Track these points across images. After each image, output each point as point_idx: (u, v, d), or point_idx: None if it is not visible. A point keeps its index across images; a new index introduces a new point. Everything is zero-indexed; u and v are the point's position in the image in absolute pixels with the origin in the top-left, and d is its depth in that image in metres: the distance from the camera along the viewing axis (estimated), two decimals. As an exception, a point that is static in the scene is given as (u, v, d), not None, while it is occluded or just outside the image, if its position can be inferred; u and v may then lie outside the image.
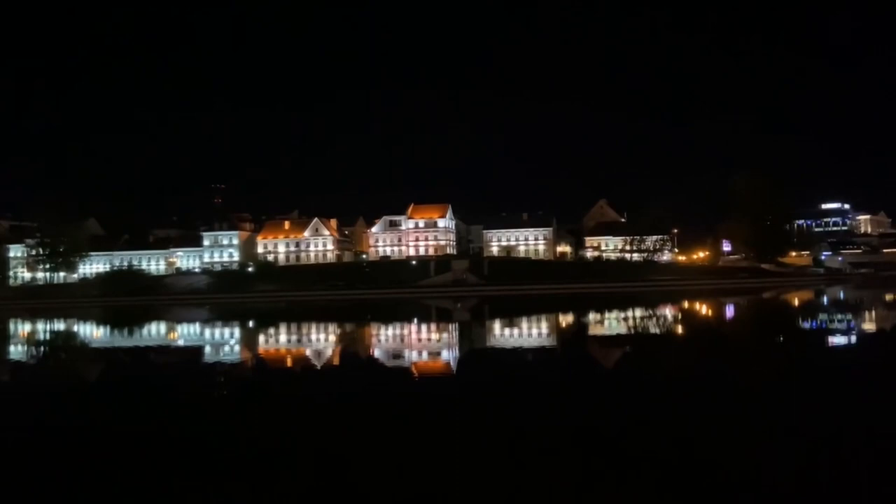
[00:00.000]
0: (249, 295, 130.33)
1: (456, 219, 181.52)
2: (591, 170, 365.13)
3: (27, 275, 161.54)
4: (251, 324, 51.77)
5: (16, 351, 36.64)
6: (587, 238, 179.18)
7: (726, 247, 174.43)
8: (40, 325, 58.76)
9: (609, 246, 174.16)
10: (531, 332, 36.56)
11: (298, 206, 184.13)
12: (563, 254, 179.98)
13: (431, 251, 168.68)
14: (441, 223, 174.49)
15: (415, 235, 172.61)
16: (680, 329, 37.56)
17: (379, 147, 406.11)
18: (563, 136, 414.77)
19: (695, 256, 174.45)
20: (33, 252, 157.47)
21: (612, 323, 42.41)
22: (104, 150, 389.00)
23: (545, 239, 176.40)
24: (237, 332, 44.34)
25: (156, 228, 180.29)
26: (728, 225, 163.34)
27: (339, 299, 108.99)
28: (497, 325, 42.81)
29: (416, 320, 50.64)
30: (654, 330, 36.53)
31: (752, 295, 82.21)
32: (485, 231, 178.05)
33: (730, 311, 52.30)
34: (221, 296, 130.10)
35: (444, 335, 37.02)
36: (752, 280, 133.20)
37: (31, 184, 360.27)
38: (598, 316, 49.65)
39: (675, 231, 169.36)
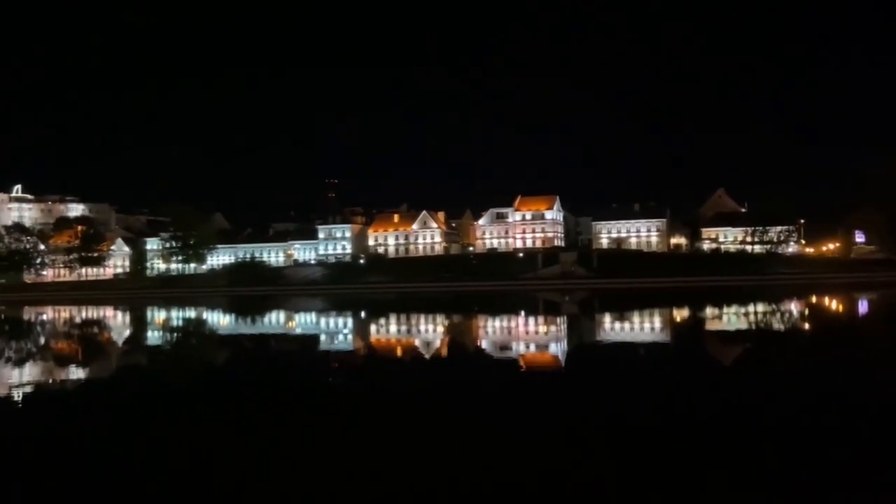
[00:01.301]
0: (361, 286, 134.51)
1: (564, 210, 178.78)
2: (706, 158, 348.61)
3: (162, 266, 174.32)
4: (363, 314, 53.41)
5: (152, 336, 39.77)
6: (704, 229, 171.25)
7: (859, 237, 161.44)
8: (174, 313, 63.37)
9: (728, 237, 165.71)
10: (643, 327, 35.45)
11: (407, 199, 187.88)
12: (678, 246, 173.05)
13: (539, 243, 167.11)
14: (549, 215, 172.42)
15: (522, 228, 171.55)
16: (807, 326, 35.19)
17: (484, 139, 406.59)
18: (676, 125, 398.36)
19: (823, 248, 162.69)
20: (167, 245, 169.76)
21: (731, 318, 40.36)
22: (226, 149, 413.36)
23: (658, 230, 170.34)
24: (350, 321, 45.88)
25: (275, 222, 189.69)
26: (861, 214, 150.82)
27: (446, 291, 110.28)
28: (607, 319, 41.83)
29: (523, 313, 50.40)
30: (778, 327, 34.43)
31: (890, 290, 75.66)
32: (594, 223, 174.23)
33: (863, 308, 48.41)
34: (335, 287, 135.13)
35: (552, 328, 36.62)
36: (890, 274, 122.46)
37: (165, 181, 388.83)
38: (716, 311, 47.41)
39: (802, 221, 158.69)
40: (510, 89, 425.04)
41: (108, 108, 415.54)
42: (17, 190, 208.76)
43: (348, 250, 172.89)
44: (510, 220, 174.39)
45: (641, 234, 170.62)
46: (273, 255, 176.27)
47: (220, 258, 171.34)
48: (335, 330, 39.26)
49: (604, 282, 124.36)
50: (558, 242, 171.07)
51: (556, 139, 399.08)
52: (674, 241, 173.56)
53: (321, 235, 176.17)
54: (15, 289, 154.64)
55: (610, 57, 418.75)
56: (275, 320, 49.83)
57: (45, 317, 62.40)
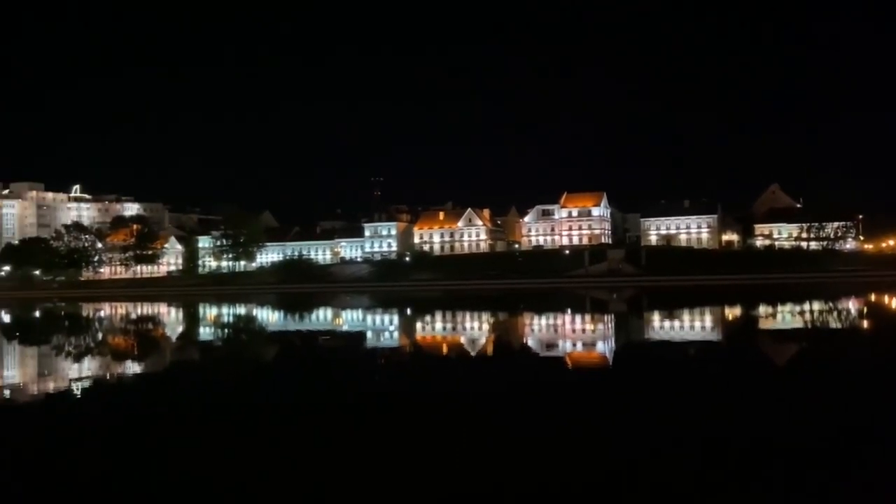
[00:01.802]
0: (406, 283, 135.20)
1: (611, 207, 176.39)
2: (759, 153, 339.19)
3: (213, 263, 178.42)
4: (409, 311, 53.65)
5: (204, 333, 40.73)
6: (757, 225, 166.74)
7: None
8: (224, 310, 64.81)
9: (782, 234, 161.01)
10: (694, 326, 34.68)
11: (452, 196, 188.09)
12: (730, 243, 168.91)
13: (585, 240, 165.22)
14: (595, 212, 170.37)
15: (568, 224, 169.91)
16: (866, 326, 33.88)
17: (529, 136, 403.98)
18: (727, 118, 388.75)
19: (883, 245, 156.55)
20: (218, 243, 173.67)
21: (785, 317, 39.16)
22: (271, 149, 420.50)
23: (709, 227, 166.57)
24: (396, 318, 46.14)
25: (322, 220, 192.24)
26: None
27: (491, 288, 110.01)
28: (656, 318, 41.07)
29: (569, 310, 49.90)
30: (835, 326, 33.24)
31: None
32: (643, 219, 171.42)
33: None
34: (381, 284, 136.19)
35: (599, 326, 36.13)
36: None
37: (216, 180, 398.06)
38: (770, 309, 46.07)
39: (860, 217, 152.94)
40: (555, 86, 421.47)
41: (160, 111, 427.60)
42: (76, 190, 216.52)
43: (394, 248, 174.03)
44: (556, 216, 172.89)
45: (692, 230, 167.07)
46: (320, 252, 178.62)
47: (268, 256, 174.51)
48: (381, 327, 39.53)
49: (652, 279, 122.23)
50: (605, 239, 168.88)
51: (602, 135, 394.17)
52: (725, 237, 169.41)
53: (367, 233, 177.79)
54: (74, 286, 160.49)
55: (658, 51, 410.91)
56: (322, 317, 50.47)
57: (102, 313, 64.57)
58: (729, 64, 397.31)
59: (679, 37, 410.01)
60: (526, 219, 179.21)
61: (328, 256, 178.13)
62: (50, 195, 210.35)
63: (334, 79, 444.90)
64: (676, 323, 36.20)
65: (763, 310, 46.09)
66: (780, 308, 46.42)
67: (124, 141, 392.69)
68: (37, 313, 68.20)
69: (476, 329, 35.74)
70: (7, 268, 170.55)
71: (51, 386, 19.11)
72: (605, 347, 25.60)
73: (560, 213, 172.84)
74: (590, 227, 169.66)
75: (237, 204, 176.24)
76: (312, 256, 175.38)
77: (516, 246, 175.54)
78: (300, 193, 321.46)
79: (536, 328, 35.04)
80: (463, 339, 29.29)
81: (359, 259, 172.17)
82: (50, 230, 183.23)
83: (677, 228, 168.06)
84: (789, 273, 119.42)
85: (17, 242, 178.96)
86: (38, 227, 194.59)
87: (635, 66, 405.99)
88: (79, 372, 21.59)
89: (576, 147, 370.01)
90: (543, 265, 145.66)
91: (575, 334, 31.16)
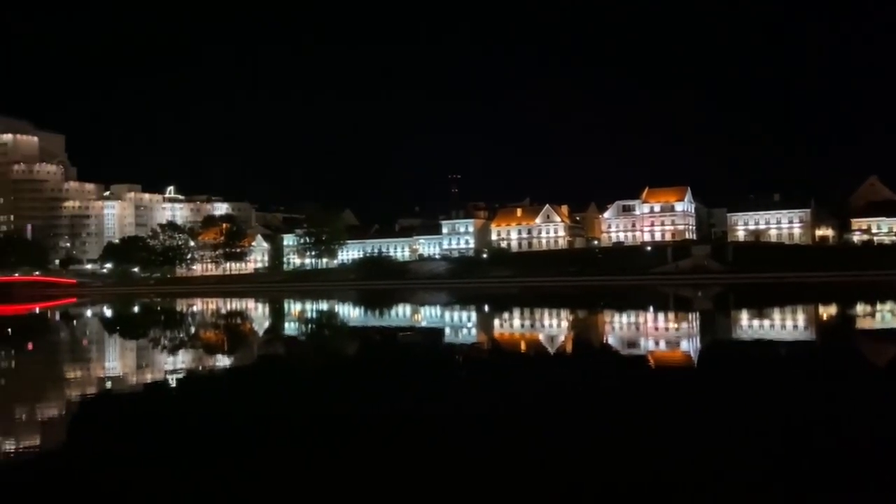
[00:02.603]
0: (484, 280, 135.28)
1: (696, 202, 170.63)
2: (854, 143, 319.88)
3: (297, 261, 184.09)
4: (487, 308, 53.70)
5: (289, 327, 42.13)
6: (854, 220, 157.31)
7: None
8: (308, 306, 66.77)
9: (882, 228, 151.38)
10: (785, 325, 33.15)
11: (530, 193, 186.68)
12: (824, 238, 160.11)
13: (668, 236, 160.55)
14: (679, 207, 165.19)
15: (650, 220, 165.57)
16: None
17: (608, 130, 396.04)
18: (819, 107, 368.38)
19: None
20: (302, 241, 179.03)
21: (885, 316, 36.85)
22: (353, 146, 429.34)
23: (801, 221, 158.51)
24: (473, 315, 46.28)
25: (401, 218, 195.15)
26: None
27: (570, 286, 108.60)
28: (744, 316, 39.49)
29: (651, 308, 48.66)
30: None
31: None
32: (729, 214, 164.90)
33: None
34: (458, 281, 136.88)
35: (684, 325, 35.07)
36: None
37: (299, 180, 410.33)
38: (868, 308, 43.46)
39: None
40: (635, 77, 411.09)
41: (247, 115, 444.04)
42: (171, 191, 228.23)
43: (471, 245, 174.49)
44: (637, 212, 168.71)
45: (782, 225, 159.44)
46: (399, 249, 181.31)
47: (349, 253, 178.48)
48: (459, 323, 39.75)
49: (740, 276, 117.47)
50: (689, 235, 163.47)
51: (684, 128, 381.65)
52: (819, 232, 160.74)
53: (445, 230, 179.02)
54: (168, 282, 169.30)
55: (747, 40, 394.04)
56: (401, 313, 51.22)
57: (194, 308, 67.79)
58: (824, 53, 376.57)
59: (785, 28, 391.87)
60: (605, 215, 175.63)
61: (406, 253, 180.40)
62: (147, 196, 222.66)
63: (410, 76, 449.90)
64: (766, 322, 34.69)
65: (861, 308, 43.52)
66: (879, 307, 43.70)
67: (214, 144, 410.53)
68: (135, 308, 72.35)
69: (555, 327, 35.42)
70: (109, 265, 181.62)
71: (148, 377, 20.27)
72: (689, 347, 24.85)
73: (641, 208, 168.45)
74: (673, 223, 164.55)
75: (319, 203, 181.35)
76: (391, 253, 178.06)
77: (595, 242, 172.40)
78: (380, 192, 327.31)
79: (617, 326, 34.36)
80: (541, 337, 29.10)
81: (436, 256, 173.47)
82: (146, 229, 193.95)
83: (767, 223, 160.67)
84: (890, 270, 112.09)
85: (117, 241, 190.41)
86: (135, 227, 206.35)
87: (725, 57, 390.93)
88: (173, 364, 22.78)
89: (658, 141, 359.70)
90: (624, 262, 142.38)
91: (658, 333, 30.39)
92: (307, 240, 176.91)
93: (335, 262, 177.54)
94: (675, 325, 34.43)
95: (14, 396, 17.92)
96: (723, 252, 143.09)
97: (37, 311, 71.60)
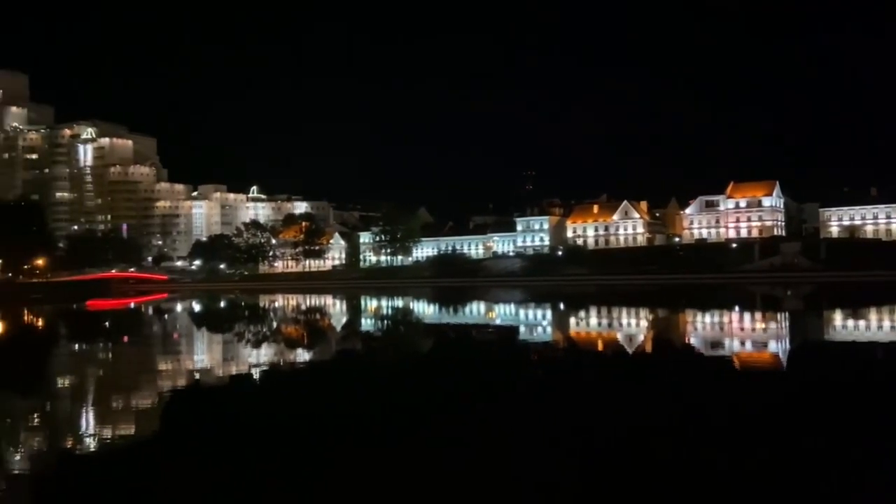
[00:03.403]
0: (559, 278, 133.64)
1: (784, 196, 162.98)
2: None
3: (373, 258, 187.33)
4: (562, 306, 53.01)
5: (366, 323, 42.86)
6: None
7: None
8: (384, 302, 67.78)
9: None
10: (882, 325, 31.19)
11: (607, 188, 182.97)
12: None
13: (755, 233, 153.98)
14: (766, 202, 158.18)
15: (735, 216, 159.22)
16: None
17: (690, 122, 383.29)
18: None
19: None
20: (377, 239, 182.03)
21: None
22: (428, 146, 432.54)
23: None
24: (549, 313, 45.77)
25: (475, 215, 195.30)
26: None
27: (649, 284, 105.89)
28: (837, 317, 37.40)
29: (737, 308, 46.78)
30: None
31: None
32: (821, 209, 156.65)
33: None
34: (533, 279, 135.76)
35: (772, 325, 33.54)
36: None
37: (375, 178, 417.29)
38: (979, 310, 40.31)
39: None
40: (718, 72, 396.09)
41: (323, 114, 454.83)
42: (254, 191, 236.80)
43: (546, 242, 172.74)
44: (721, 208, 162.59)
45: (880, 220, 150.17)
46: (473, 247, 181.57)
47: (424, 251, 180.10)
48: (534, 321, 39.40)
49: (833, 275, 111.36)
50: (778, 232, 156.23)
51: (771, 119, 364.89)
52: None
53: (519, 227, 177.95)
54: (252, 278, 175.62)
55: (840, 33, 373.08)
56: (475, 310, 51.23)
57: (276, 304, 69.99)
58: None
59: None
60: (687, 211, 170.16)
61: (480, 251, 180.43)
62: (231, 196, 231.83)
63: (485, 72, 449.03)
64: (862, 322, 32.73)
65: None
66: None
67: (294, 144, 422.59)
68: (221, 303, 75.39)
69: (633, 326, 34.58)
70: (197, 262, 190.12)
71: (233, 370, 21.05)
72: (777, 348, 23.74)
73: (726, 203, 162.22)
74: (760, 219, 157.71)
75: (395, 201, 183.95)
76: (465, 251, 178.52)
77: (677, 239, 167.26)
78: (454, 189, 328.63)
79: (700, 326, 33.22)
80: (619, 336, 28.46)
81: (511, 253, 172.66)
82: (231, 228, 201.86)
83: (863, 219, 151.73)
84: None
85: (204, 239, 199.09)
86: (221, 226, 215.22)
87: (820, 49, 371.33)
88: (256, 358, 23.57)
89: (742, 134, 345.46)
90: (707, 260, 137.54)
91: (743, 333, 29.19)
92: (383, 237, 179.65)
93: (410, 259, 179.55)
94: (763, 326, 32.96)
95: (110, 386, 18.97)
96: (815, 249, 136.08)
97: (132, 305, 75.72)
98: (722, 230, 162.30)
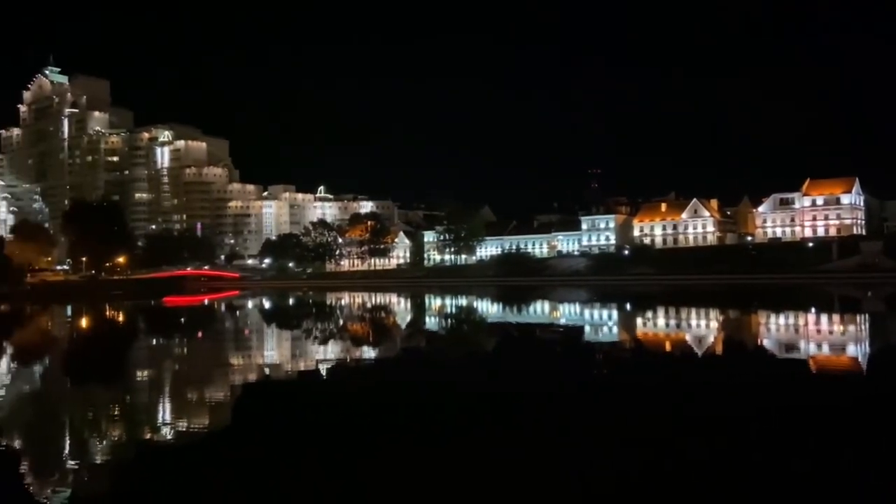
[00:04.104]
0: (625, 278, 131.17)
1: (865, 193, 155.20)
2: None
3: (437, 257, 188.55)
4: (628, 306, 52.06)
5: (430, 322, 43.19)
6: None
7: None
8: (447, 301, 68.11)
9: None
10: (975, 331, 29.33)
11: (675, 186, 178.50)
12: None
13: (833, 231, 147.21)
14: (845, 199, 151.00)
15: (811, 214, 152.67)
16: None
17: (761, 117, 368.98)
18: None
19: None
20: (441, 238, 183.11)
21: None
22: (491, 144, 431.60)
23: None
24: (615, 313, 45.03)
25: (539, 214, 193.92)
26: None
27: (720, 284, 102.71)
28: (924, 320, 35.38)
29: (813, 309, 44.88)
30: None
31: None
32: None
33: None
34: (599, 278, 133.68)
35: (850, 328, 32.03)
36: None
37: (439, 177, 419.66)
38: None
39: None
40: (791, 58, 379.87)
41: (389, 117, 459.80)
42: (321, 191, 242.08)
43: (612, 241, 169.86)
44: (797, 206, 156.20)
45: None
46: (537, 246, 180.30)
47: (487, 249, 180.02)
48: (599, 321, 38.85)
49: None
50: (858, 230, 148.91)
51: (849, 112, 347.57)
52: None
53: (584, 226, 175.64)
54: (319, 276, 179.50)
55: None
56: (540, 310, 50.89)
57: (343, 301, 71.31)
58: None
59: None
60: (760, 209, 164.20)
61: (545, 250, 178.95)
62: (300, 196, 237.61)
63: (547, 73, 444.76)
64: (952, 327, 30.87)
65: None
66: None
67: (360, 144, 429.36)
68: (290, 301, 77.36)
69: (702, 327, 33.67)
70: (267, 260, 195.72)
71: (301, 365, 21.62)
72: (856, 351, 22.67)
73: (802, 201, 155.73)
74: (838, 217, 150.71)
75: (458, 200, 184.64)
76: (529, 250, 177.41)
77: (749, 238, 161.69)
78: (517, 188, 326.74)
79: (773, 328, 32.05)
80: (688, 338, 27.77)
81: (575, 253, 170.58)
82: (300, 227, 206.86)
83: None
84: None
85: (274, 238, 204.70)
86: (290, 225, 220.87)
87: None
88: (324, 354, 24.13)
89: (817, 130, 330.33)
90: (781, 259, 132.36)
91: (820, 336, 27.99)
92: (446, 236, 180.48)
93: (474, 258, 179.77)
94: (841, 328, 31.52)
95: (185, 380, 19.80)
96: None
97: (205, 302, 78.62)
98: (797, 229, 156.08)
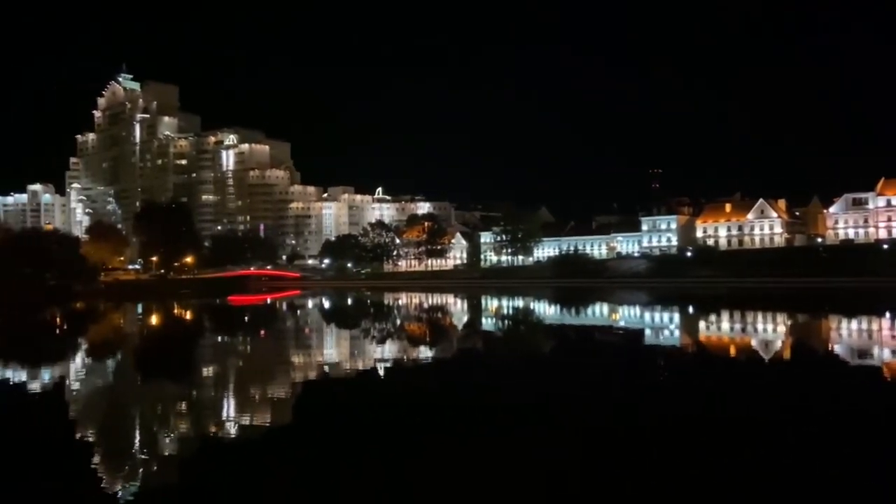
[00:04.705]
0: (688, 280, 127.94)
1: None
2: None
3: (494, 258, 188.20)
4: (690, 309, 50.77)
5: (486, 323, 43.13)
6: None
7: None
8: (504, 302, 67.90)
9: None
10: None
11: (741, 186, 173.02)
12: None
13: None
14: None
15: (887, 215, 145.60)
16: None
17: (833, 114, 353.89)
18: None
19: None
20: (498, 238, 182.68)
21: None
22: (546, 145, 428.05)
23: None
24: (676, 316, 43.99)
25: (598, 215, 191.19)
26: None
27: (787, 287, 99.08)
28: None
29: (887, 314, 42.79)
30: None
31: None
32: None
33: None
34: (660, 280, 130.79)
35: (931, 335, 30.38)
36: None
37: (496, 178, 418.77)
38: None
39: None
40: (861, 52, 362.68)
41: (446, 116, 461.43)
42: (379, 192, 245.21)
43: (674, 242, 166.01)
44: (871, 206, 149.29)
45: None
46: (595, 247, 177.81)
47: (545, 250, 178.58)
48: (660, 324, 38.01)
49: None
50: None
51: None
52: None
53: (645, 227, 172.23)
54: (377, 276, 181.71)
55: None
56: (598, 312, 50.15)
57: (400, 301, 71.95)
58: None
59: None
60: (832, 209, 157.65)
61: (604, 251, 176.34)
62: (358, 197, 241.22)
63: (603, 71, 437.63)
64: None
65: None
66: None
67: (417, 145, 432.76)
68: (349, 300, 78.54)
69: (769, 331, 32.54)
70: (327, 260, 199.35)
71: (359, 364, 21.93)
72: (937, 360, 21.48)
73: (876, 201, 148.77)
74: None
75: (515, 201, 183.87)
76: (588, 251, 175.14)
77: (819, 240, 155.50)
78: (576, 189, 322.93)
79: (845, 333, 30.70)
80: (754, 342, 26.89)
81: (636, 254, 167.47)
82: (358, 228, 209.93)
83: None
84: None
85: (333, 239, 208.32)
86: (349, 226, 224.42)
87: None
88: (381, 353, 24.40)
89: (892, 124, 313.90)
90: (854, 262, 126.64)
91: (895, 341, 26.67)
92: (503, 237, 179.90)
93: (531, 259, 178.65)
94: (920, 335, 29.94)
95: (248, 377, 20.34)
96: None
97: (268, 301, 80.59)
98: (871, 230, 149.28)
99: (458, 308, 59.93)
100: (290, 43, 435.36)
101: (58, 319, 53.40)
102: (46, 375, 21.04)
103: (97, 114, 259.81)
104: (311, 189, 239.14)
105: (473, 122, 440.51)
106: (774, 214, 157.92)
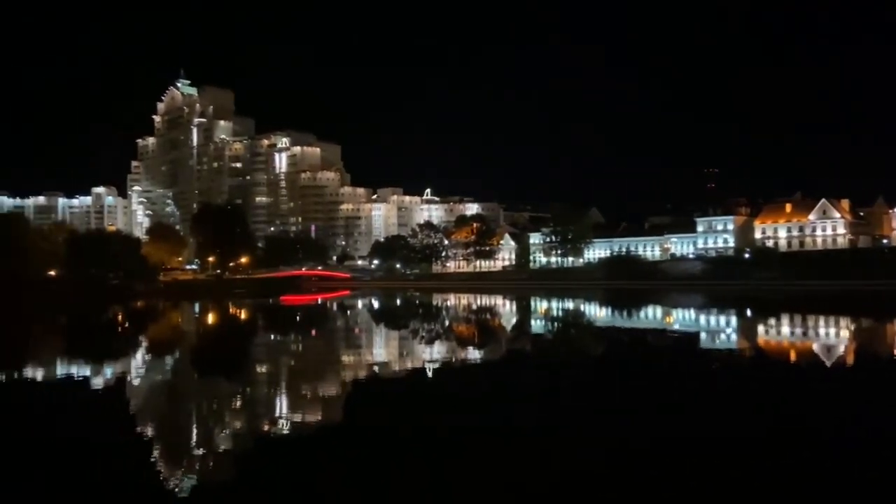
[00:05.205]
0: (746, 282, 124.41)
1: None
2: None
3: (543, 259, 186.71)
4: (749, 312, 49.30)
5: (536, 324, 42.75)
6: None
7: None
8: (554, 304, 67.24)
9: None
10: None
11: (801, 186, 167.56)
12: None
13: None
14: None
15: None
16: None
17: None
18: None
19: None
20: (548, 239, 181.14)
21: None
22: (597, 145, 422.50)
23: None
24: (733, 319, 42.77)
25: (650, 215, 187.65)
26: None
27: (852, 290, 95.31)
28: None
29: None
30: None
31: None
32: None
33: None
34: (716, 282, 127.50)
35: None
36: None
37: (545, 178, 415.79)
38: None
39: None
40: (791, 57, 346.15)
41: (496, 115, 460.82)
42: (428, 193, 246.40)
43: (730, 244, 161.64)
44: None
45: None
46: (648, 248, 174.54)
47: (596, 252, 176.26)
48: (716, 328, 36.99)
49: None
50: None
51: None
52: None
53: (700, 228, 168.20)
54: (426, 277, 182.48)
55: None
56: (651, 315, 49.16)
57: (449, 302, 72.03)
58: None
59: None
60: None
61: (657, 252, 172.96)
62: (407, 198, 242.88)
63: (659, 71, 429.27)
64: None
65: None
66: None
67: (466, 146, 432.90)
68: (398, 301, 79.05)
69: (832, 336, 31.31)
70: (376, 261, 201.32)
71: (408, 364, 21.97)
72: None
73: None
74: None
75: (565, 201, 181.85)
76: (640, 253, 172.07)
77: (885, 241, 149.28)
78: (628, 189, 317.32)
79: (914, 339, 29.29)
80: (815, 347, 25.90)
81: (691, 255, 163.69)
82: (407, 229, 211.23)
83: None
84: None
85: (382, 240, 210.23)
86: (398, 227, 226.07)
87: None
88: (430, 354, 24.40)
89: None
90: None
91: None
92: (553, 238, 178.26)
93: (581, 260, 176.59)
94: None
95: (300, 375, 20.60)
96: None
97: (319, 301, 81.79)
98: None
99: (506, 309, 59.62)
100: (336, 45, 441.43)
101: (120, 318, 55.30)
102: (109, 371, 21.77)
103: (156, 119, 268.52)
104: (360, 190, 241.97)
105: (521, 122, 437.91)
106: (838, 215, 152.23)
